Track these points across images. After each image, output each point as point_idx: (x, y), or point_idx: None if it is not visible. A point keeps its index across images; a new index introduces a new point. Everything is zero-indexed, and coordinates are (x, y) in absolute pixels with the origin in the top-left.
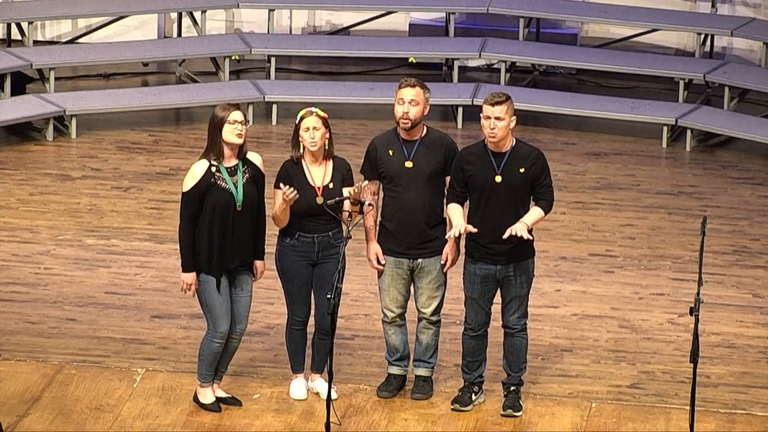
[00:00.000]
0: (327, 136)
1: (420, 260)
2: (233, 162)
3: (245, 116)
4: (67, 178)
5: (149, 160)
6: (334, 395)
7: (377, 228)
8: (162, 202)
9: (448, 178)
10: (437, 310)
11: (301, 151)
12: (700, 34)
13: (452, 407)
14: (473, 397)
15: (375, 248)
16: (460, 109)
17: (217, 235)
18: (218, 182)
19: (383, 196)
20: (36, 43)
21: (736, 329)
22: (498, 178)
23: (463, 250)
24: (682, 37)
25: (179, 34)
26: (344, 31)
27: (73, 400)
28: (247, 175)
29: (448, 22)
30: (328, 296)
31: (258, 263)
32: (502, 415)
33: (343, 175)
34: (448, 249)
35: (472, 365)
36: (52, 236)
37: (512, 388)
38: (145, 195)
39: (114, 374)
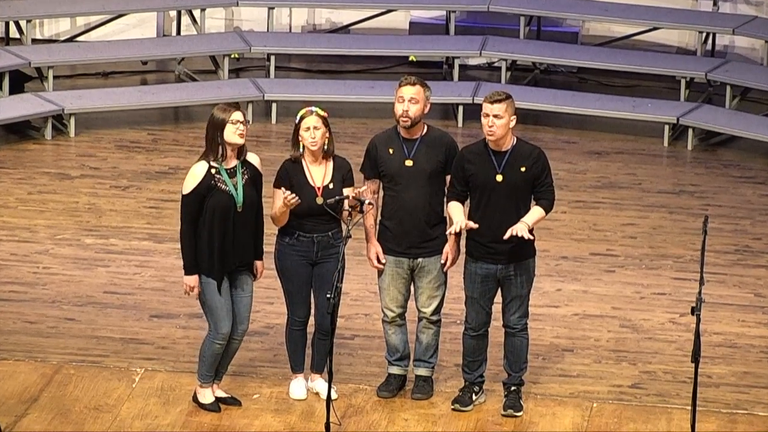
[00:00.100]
0: (327, 135)
1: (420, 259)
2: (233, 163)
3: (245, 115)
4: (65, 177)
5: (148, 159)
6: (334, 395)
7: (377, 227)
8: (161, 201)
9: (448, 177)
10: (437, 310)
11: (301, 150)
12: (701, 32)
13: (452, 407)
14: (474, 397)
15: (375, 247)
16: (461, 108)
17: (217, 236)
18: (218, 184)
19: (383, 195)
20: (34, 41)
21: (737, 329)
22: (499, 177)
23: (463, 249)
24: (684, 36)
25: (178, 32)
26: (344, 29)
27: (72, 400)
28: (247, 176)
29: (449, 20)
30: (328, 296)
31: (257, 263)
32: (503, 415)
33: (343, 176)
34: (448, 248)
35: (473, 365)
36: (51, 235)
37: (513, 388)
38: (144, 194)
39: (113, 374)
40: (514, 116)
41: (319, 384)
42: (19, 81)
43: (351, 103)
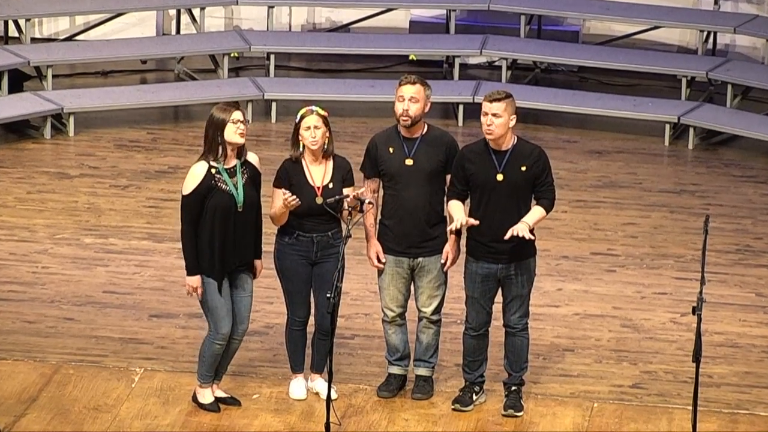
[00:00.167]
0: (327, 134)
1: (420, 259)
2: (233, 163)
3: (245, 115)
4: (64, 176)
5: (148, 158)
6: (333, 395)
7: (377, 226)
8: (160, 201)
9: (448, 177)
10: (438, 310)
11: (301, 150)
12: (702, 31)
13: (453, 407)
14: (474, 397)
15: (375, 247)
16: (461, 107)
17: (218, 237)
18: (219, 184)
19: (383, 195)
20: (33, 40)
21: (739, 329)
22: (499, 177)
23: (463, 248)
24: (685, 35)
25: (178, 31)
26: (344, 28)
27: (71, 400)
28: (246, 175)
29: (449, 19)
30: (328, 295)
31: (256, 262)
32: (503, 415)
33: (343, 176)
34: (448, 248)
35: (473, 365)
36: (50, 235)
37: (513, 387)
38: (143, 193)
39: (112, 374)
40: (514, 116)
41: (319, 384)
42: (18, 80)
43: (351, 103)
